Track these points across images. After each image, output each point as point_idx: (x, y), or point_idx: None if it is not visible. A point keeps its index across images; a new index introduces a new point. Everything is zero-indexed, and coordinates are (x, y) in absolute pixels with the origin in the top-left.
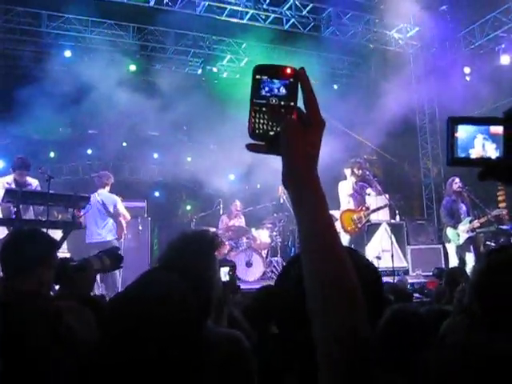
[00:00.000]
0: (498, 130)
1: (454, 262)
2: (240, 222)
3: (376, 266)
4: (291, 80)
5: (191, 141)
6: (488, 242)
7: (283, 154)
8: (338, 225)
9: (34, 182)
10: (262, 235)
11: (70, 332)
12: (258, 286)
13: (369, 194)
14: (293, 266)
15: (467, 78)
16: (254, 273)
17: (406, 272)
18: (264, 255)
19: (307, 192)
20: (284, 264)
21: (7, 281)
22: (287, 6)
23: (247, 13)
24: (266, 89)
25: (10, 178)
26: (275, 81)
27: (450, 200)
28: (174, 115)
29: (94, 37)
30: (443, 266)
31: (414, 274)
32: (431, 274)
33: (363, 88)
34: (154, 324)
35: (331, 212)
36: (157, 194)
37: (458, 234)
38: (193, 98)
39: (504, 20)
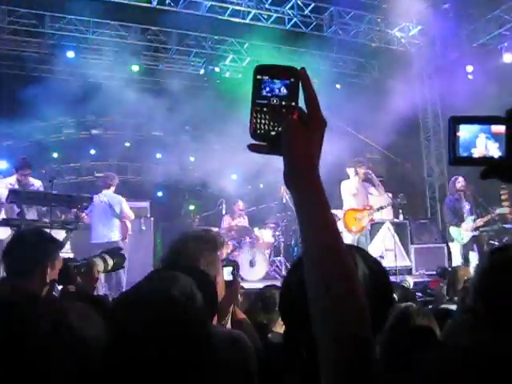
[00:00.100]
0: (501, 129)
1: (457, 261)
2: (243, 221)
3: None
4: (292, 80)
5: (194, 141)
6: (491, 241)
7: (284, 154)
8: (341, 224)
9: (36, 183)
10: (265, 235)
11: (74, 332)
12: (261, 286)
13: (371, 194)
14: (296, 267)
15: (470, 77)
16: (257, 272)
17: (410, 271)
18: (267, 255)
19: (309, 192)
20: (287, 264)
21: (10, 281)
22: (289, 5)
23: (249, 12)
24: (267, 89)
25: (12, 179)
26: (276, 81)
27: (453, 199)
28: (177, 115)
29: (97, 37)
30: (446, 265)
31: (418, 273)
32: (434, 273)
33: (366, 87)
34: (159, 324)
35: (334, 211)
36: (160, 194)
37: (462, 232)
38: (195, 98)
39: (507, 18)
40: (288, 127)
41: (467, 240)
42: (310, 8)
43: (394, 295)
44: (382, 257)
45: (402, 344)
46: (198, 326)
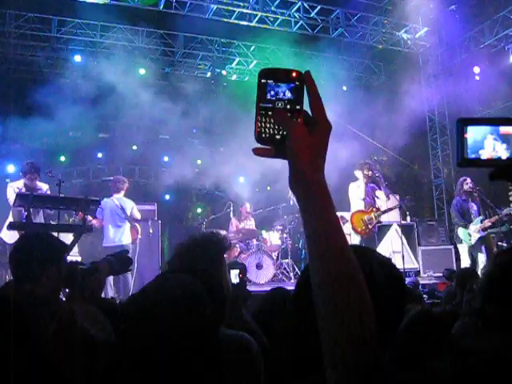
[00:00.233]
0: (509, 130)
1: (466, 262)
2: (250, 224)
3: None
4: (297, 83)
5: (201, 144)
6: (500, 243)
7: (289, 158)
8: (348, 226)
9: (44, 187)
10: (273, 237)
11: (83, 333)
12: (268, 289)
13: (378, 197)
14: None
15: (477, 78)
16: (264, 275)
17: (417, 273)
18: (274, 257)
19: (314, 195)
20: (294, 266)
21: (18, 284)
22: (295, 7)
23: (255, 15)
24: (272, 92)
25: (20, 183)
26: (281, 84)
27: (460, 200)
28: (185, 118)
29: (104, 41)
30: (454, 266)
31: (426, 275)
32: (442, 275)
33: (373, 89)
34: (167, 328)
35: (342, 214)
36: (167, 197)
37: (470, 233)
38: (202, 101)
39: None
40: (293, 131)
41: (475, 241)
42: (316, 10)
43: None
44: (389, 259)
45: (415, 344)
46: (207, 329)
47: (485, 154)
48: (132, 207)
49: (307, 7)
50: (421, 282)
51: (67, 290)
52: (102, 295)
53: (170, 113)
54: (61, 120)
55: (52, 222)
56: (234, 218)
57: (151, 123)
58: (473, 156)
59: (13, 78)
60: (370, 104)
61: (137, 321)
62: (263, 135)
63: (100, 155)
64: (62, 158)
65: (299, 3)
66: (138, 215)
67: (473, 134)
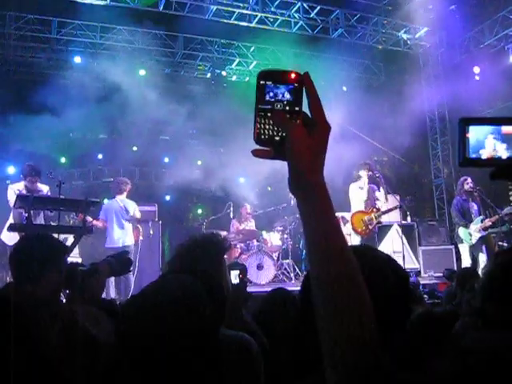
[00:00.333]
0: (510, 129)
1: (466, 262)
2: (250, 225)
3: None
4: (296, 85)
5: (201, 144)
6: (500, 243)
7: (289, 160)
8: (348, 226)
9: (44, 188)
10: (273, 238)
11: (85, 333)
12: (269, 289)
13: (378, 198)
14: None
15: (477, 78)
16: (265, 275)
17: (418, 273)
18: (275, 258)
19: (313, 197)
20: (295, 267)
21: (18, 285)
22: (295, 8)
23: (255, 16)
24: (271, 94)
25: (21, 185)
26: (280, 86)
27: (461, 199)
28: (184, 119)
29: (104, 42)
30: (455, 266)
31: (426, 275)
32: (442, 275)
33: (373, 89)
34: (167, 329)
35: (342, 214)
36: (167, 198)
37: (470, 233)
38: (202, 102)
39: None
40: (292, 132)
41: (476, 241)
42: (315, 11)
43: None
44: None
45: (416, 344)
46: (207, 330)
47: (485, 154)
48: (135, 208)
49: (307, 8)
50: (421, 282)
51: (67, 292)
52: (105, 296)
53: (171, 114)
54: (61, 121)
55: (52, 224)
56: (234, 220)
57: (151, 124)
58: (474, 156)
59: (13, 80)
60: (370, 104)
61: (137, 321)
62: (262, 137)
63: (100, 156)
64: (63, 160)
65: (299, 4)
66: (138, 216)
67: (474, 133)
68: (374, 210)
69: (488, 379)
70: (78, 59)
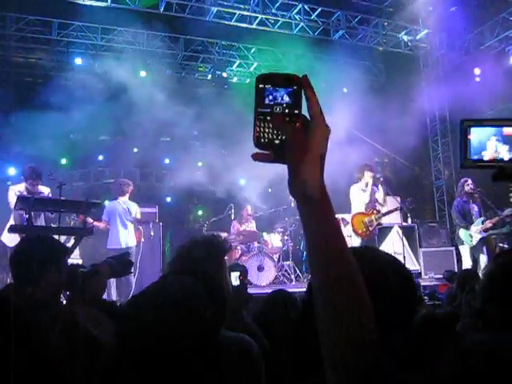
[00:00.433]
0: (511, 131)
1: (467, 263)
2: (251, 226)
3: None
4: (295, 88)
5: (202, 146)
6: (501, 244)
7: (289, 163)
8: (349, 228)
9: (45, 190)
10: (274, 239)
11: (86, 333)
12: (269, 291)
13: (378, 200)
14: None
15: (477, 79)
16: (265, 277)
17: (419, 275)
18: (276, 259)
19: (313, 199)
20: (295, 268)
21: (18, 286)
22: (296, 10)
23: (256, 18)
24: (270, 97)
25: (21, 187)
26: (279, 89)
27: (461, 201)
28: (185, 121)
29: (105, 44)
30: (456, 268)
31: (427, 276)
32: (442, 276)
33: (373, 91)
34: (167, 329)
35: (343, 216)
36: (168, 199)
37: (471, 235)
38: (203, 104)
39: None
40: (292, 136)
41: (476, 242)
42: (316, 13)
43: None
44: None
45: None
46: (207, 331)
47: (487, 155)
48: (137, 210)
49: (308, 9)
50: (422, 283)
51: (68, 293)
52: (106, 297)
53: (172, 115)
54: (62, 123)
55: (53, 225)
56: (235, 221)
57: (152, 125)
58: (475, 157)
59: (13, 81)
60: (370, 106)
61: (137, 322)
62: (262, 140)
63: (101, 158)
64: (64, 161)
65: (300, 5)
66: (139, 218)
67: (476, 135)
68: (375, 211)
69: (488, 380)
70: (78, 61)
